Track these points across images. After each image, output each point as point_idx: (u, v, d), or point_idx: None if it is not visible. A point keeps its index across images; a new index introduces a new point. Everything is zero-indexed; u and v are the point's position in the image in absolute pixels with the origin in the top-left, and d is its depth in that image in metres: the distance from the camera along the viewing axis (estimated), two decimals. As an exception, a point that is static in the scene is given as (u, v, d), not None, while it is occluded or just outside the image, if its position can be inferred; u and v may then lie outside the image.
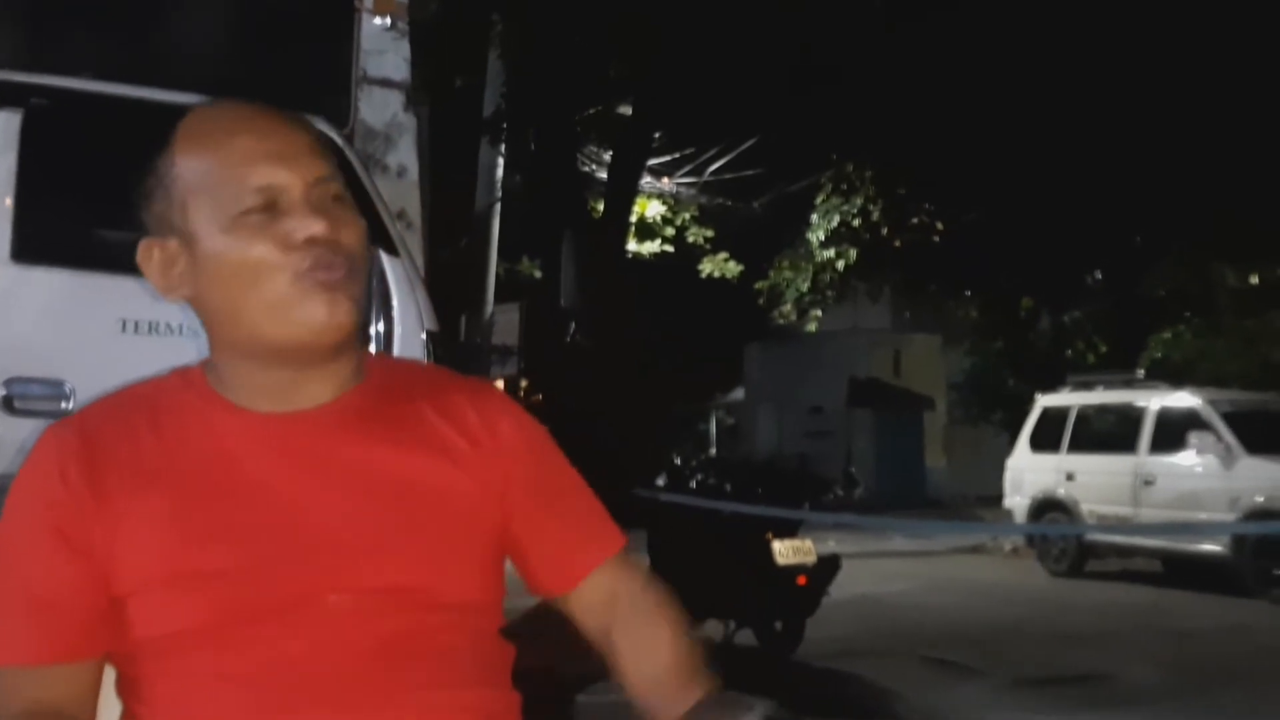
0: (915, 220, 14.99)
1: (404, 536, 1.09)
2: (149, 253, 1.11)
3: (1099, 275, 15.67)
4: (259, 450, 1.09)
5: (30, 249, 3.75)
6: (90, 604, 1.05)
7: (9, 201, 3.75)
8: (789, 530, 7.02)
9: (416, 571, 1.08)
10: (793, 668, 6.78)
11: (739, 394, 24.07)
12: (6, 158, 3.75)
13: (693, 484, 8.24)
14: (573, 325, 6.42)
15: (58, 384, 3.70)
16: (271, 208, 1.06)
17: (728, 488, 8.05)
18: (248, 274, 1.06)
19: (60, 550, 1.05)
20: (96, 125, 3.90)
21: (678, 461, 8.78)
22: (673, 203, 15.81)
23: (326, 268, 1.06)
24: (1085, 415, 12.22)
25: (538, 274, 9.52)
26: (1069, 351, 17.02)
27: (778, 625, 7.02)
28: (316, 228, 1.06)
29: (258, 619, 1.04)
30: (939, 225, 15.19)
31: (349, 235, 1.09)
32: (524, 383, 20.26)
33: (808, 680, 6.58)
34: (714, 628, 7.31)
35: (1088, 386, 12.63)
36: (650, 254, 16.09)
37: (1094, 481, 11.56)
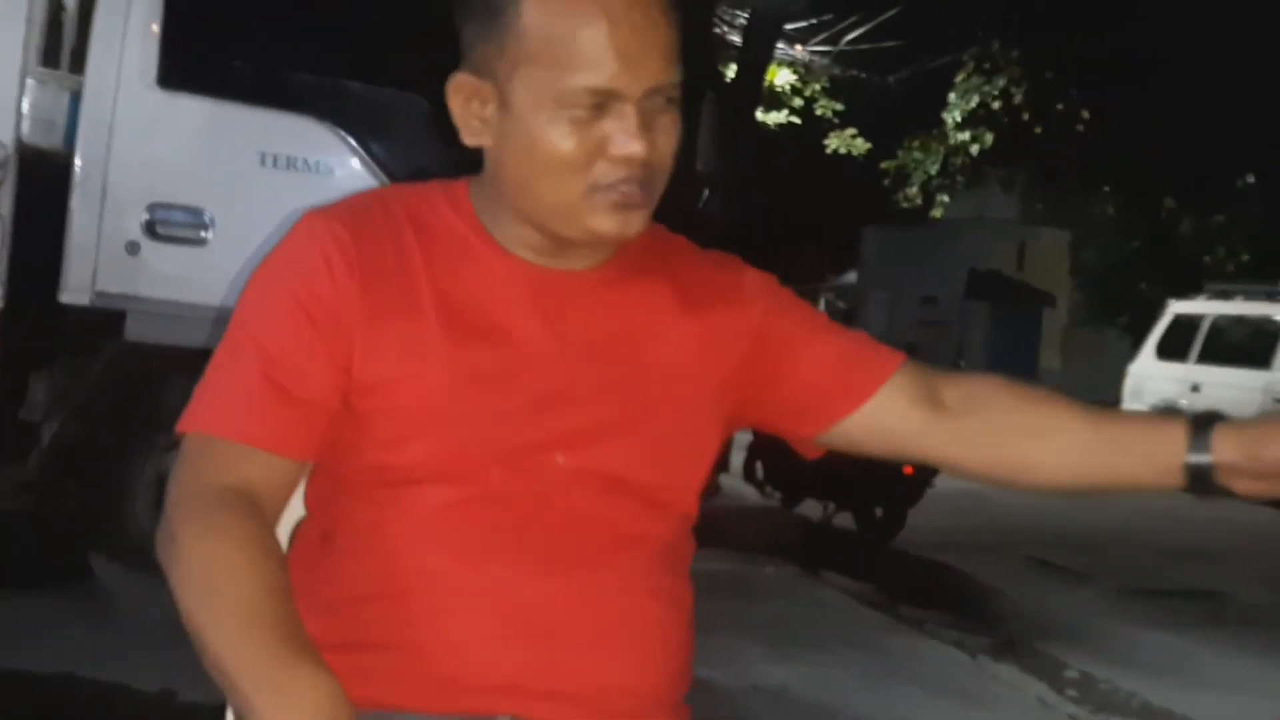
0: (1060, 106, 14.23)
1: (639, 423, 1.08)
2: (461, 86, 1.05)
3: (1251, 179, 14.76)
4: (520, 300, 1.06)
5: (176, 76, 3.76)
6: (330, 407, 1.02)
7: (156, 28, 3.75)
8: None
9: (643, 462, 1.08)
10: (890, 555, 6.75)
11: (852, 277, 23.66)
12: (154, -19, 3.75)
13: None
14: (705, 193, 6.25)
15: (198, 212, 3.76)
16: (599, 107, 1.00)
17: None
18: (548, 163, 1.01)
19: (316, 345, 1.01)
20: None
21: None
22: (803, 71, 15.21)
23: (628, 188, 1.02)
24: (1219, 326, 11.72)
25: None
26: (1208, 258, 16.25)
27: (878, 511, 6.98)
28: (634, 148, 1.00)
29: (484, 460, 1.02)
30: (1084, 114, 14.41)
31: (665, 145, 1.03)
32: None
33: (905, 568, 6.55)
34: (811, 508, 7.33)
35: (1226, 296, 12.07)
36: (775, 124, 15.56)
37: (1220, 395, 11.13)
